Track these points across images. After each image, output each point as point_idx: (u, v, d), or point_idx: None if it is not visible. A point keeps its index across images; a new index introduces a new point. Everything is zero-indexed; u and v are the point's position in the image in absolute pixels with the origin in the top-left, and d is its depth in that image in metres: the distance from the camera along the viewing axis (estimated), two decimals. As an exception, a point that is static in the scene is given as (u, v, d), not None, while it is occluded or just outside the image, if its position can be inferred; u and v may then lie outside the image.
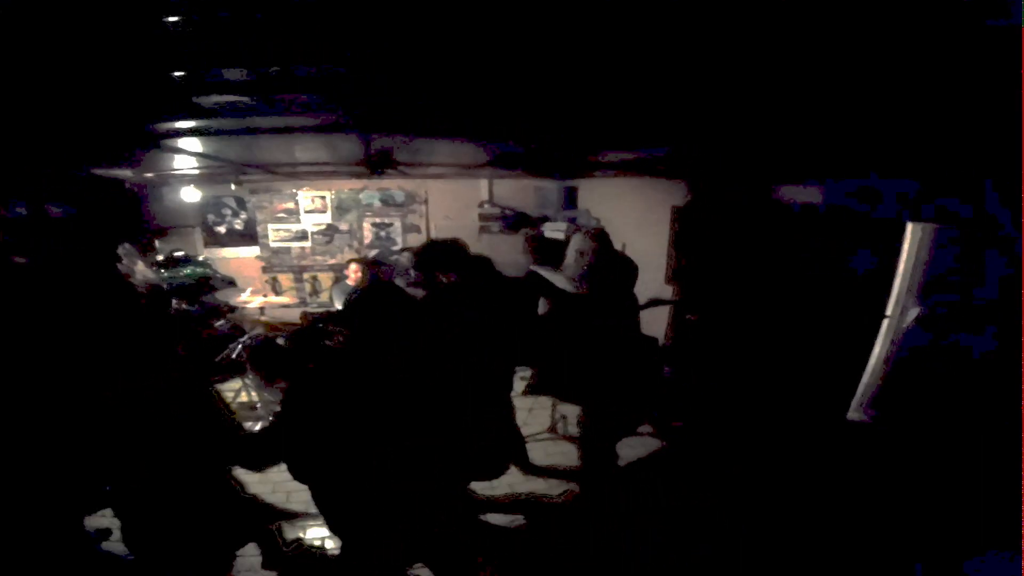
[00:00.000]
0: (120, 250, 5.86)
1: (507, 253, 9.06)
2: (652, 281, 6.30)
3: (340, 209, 9.05)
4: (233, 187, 8.17)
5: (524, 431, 5.71)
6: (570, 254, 5.34)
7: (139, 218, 7.68)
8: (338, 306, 7.56)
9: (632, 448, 5.11)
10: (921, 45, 1.73)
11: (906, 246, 3.82)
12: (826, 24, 1.64)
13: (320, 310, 7.71)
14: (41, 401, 2.87)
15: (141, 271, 6.07)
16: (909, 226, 3.79)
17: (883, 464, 3.68)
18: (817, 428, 4.11)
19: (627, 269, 5.21)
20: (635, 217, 7.41)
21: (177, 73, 1.91)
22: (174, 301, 6.55)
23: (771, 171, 4.90)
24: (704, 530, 3.79)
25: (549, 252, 7.95)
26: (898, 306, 3.88)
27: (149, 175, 6.28)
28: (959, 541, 2.88)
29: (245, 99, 2.40)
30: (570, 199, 8.83)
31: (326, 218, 9.06)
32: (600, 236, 5.24)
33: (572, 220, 8.42)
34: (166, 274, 7.11)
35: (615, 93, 2.52)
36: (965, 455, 3.16)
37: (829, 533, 3.47)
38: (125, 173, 5.81)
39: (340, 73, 2.19)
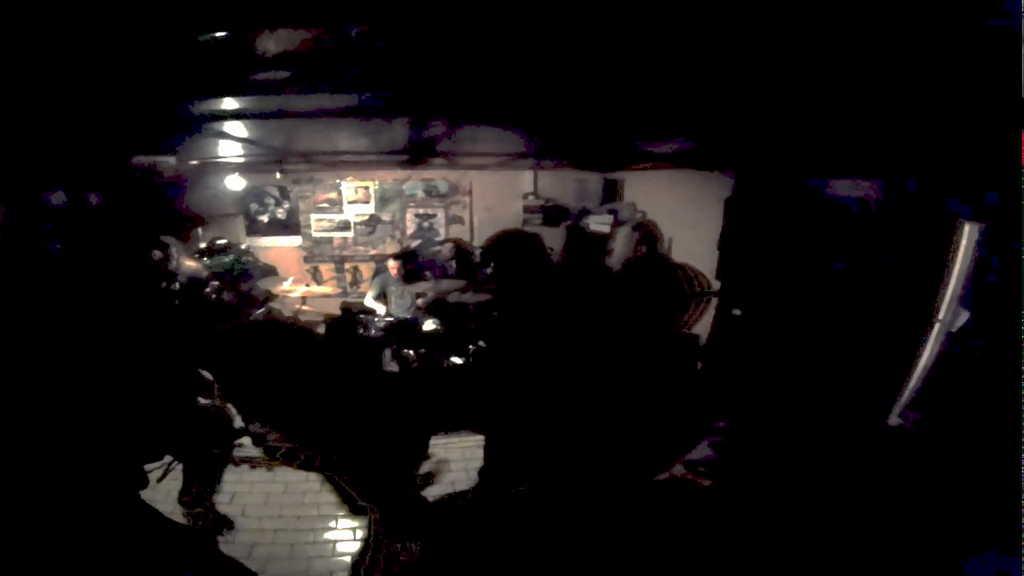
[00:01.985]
0: (165, 240, 5.87)
1: (549, 245, 8.98)
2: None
3: (383, 200, 8.98)
4: (278, 176, 8.16)
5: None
6: (616, 248, 5.21)
7: (170, 208, 7.70)
8: (371, 295, 7.58)
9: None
10: (919, 44, 1.75)
11: (962, 246, 3.62)
12: (831, 23, 1.67)
13: (359, 301, 7.68)
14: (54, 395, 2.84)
15: (184, 263, 6.07)
16: (966, 226, 3.59)
17: (908, 467, 3.57)
18: (852, 432, 3.96)
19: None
20: (681, 211, 7.22)
21: (218, 34, 1.80)
22: (215, 291, 6.53)
23: (810, 164, 4.81)
24: (704, 530, 3.72)
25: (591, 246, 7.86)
26: (949, 310, 3.68)
27: (193, 163, 6.28)
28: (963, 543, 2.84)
29: (284, 72, 2.31)
30: (614, 192, 8.64)
31: (369, 208, 9.00)
32: (645, 229, 5.09)
33: (615, 213, 8.27)
34: (208, 262, 7.12)
35: (661, 81, 2.47)
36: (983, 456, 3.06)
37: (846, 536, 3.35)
38: (168, 161, 5.81)
39: (385, 48, 2.10)
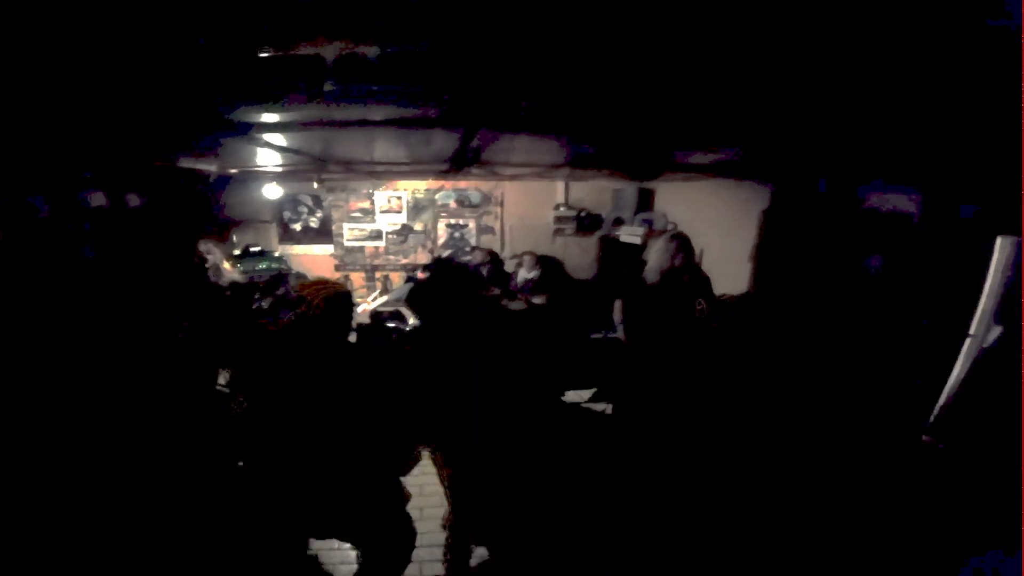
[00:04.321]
0: (201, 247, 5.94)
1: (580, 256, 8.98)
2: (734, 289, 6.04)
3: (415, 209, 9.05)
4: (316, 185, 8.26)
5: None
6: (651, 258, 5.15)
7: (211, 210, 7.80)
8: (386, 299, 7.63)
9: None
10: (918, 44, 1.71)
11: (995, 260, 3.56)
12: (844, 28, 1.64)
13: (387, 308, 7.70)
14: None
15: (225, 270, 6.15)
16: (998, 240, 3.53)
17: (911, 469, 3.59)
18: (883, 446, 3.90)
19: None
20: (715, 221, 7.16)
21: (262, 45, 1.81)
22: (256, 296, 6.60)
23: (846, 175, 4.77)
24: (704, 529, 3.67)
25: (623, 256, 7.83)
26: (982, 324, 3.62)
27: (232, 170, 6.36)
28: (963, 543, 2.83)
29: (328, 84, 2.32)
30: (647, 202, 8.62)
31: (401, 218, 9.07)
32: (682, 240, 5.03)
33: (648, 223, 8.24)
34: (241, 267, 7.21)
35: (699, 90, 2.45)
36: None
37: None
38: (210, 166, 5.88)
39: (426, 60, 2.10)
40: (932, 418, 3.81)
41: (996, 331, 3.57)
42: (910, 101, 2.33)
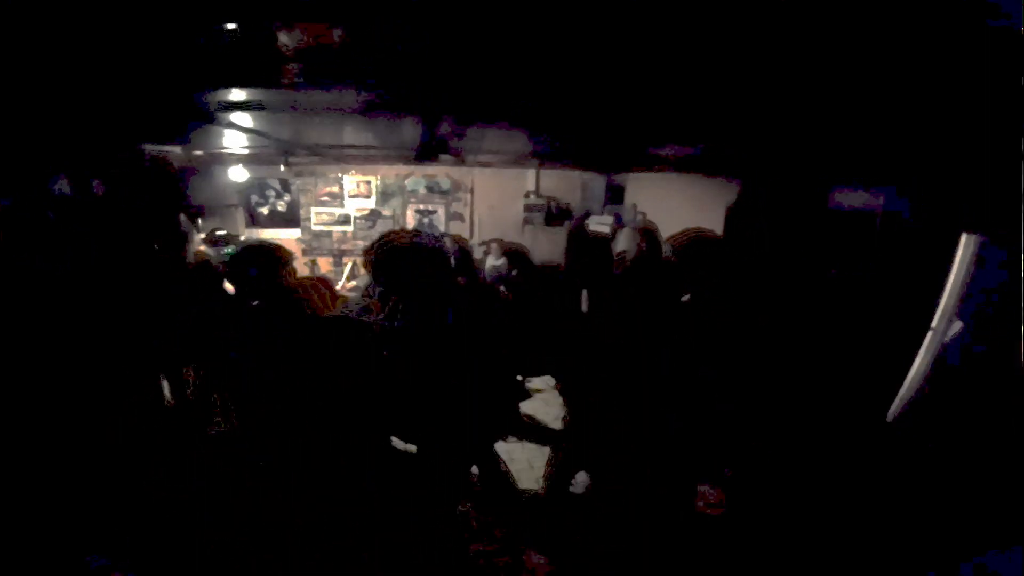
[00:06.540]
0: (182, 219, 5.88)
1: (549, 246, 8.99)
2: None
3: (384, 195, 8.99)
4: (282, 168, 8.15)
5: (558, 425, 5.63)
6: (619, 249, 5.19)
7: (180, 196, 7.66)
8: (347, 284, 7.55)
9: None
10: (919, 44, 1.75)
11: (959, 256, 3.65)
12: (833, 26, 1.69)
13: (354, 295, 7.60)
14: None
15: (195, 244, 6.08)
16: (963, 237, 3.62)
17: (907, 468, 3.58)
18: (848, 437, 3.97)
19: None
20: (683, 215, 7.20)
21: (230, 26, 1.80)
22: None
23: (817, 173, 4.82)
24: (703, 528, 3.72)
25: (591, 247, 7.85)
26: (943, 319, 3.72)
27: (198, 153, 6.27)
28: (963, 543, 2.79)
29: (296, 67, 2.31)
30: (616, 194, 8.66)
31: (370, 203, 9.01)
32: (648, 233, 5.08)
33: (618, 216, 8.27)
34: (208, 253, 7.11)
35: (668, 87, 2.47)
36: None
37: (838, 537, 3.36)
38: (175, 151, 5.79)
39: (397, 46, 2.10)
40: (895, 408, 3.90)
41: (957, 326, 3.65)
42: (890, 99, 2.36)
